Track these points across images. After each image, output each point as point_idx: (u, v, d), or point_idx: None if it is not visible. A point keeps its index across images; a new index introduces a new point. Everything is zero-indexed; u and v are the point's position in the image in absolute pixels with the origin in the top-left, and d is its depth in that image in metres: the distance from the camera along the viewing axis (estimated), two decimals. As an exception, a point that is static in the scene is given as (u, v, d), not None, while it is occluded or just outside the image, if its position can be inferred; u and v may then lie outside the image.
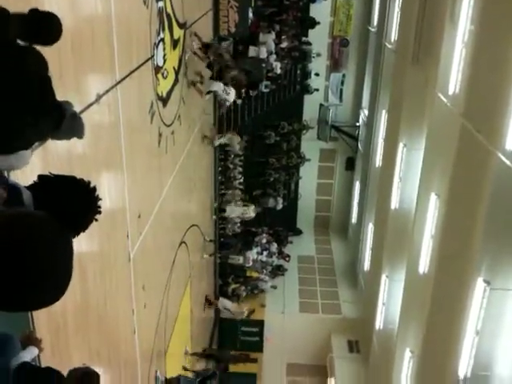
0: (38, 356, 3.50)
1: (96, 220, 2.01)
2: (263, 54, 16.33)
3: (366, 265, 19.51)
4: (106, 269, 6.94)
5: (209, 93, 12.93)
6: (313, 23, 21.18)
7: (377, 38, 19.32)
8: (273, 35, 17.76)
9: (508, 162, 7.91)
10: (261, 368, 18.91)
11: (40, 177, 1.95)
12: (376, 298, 16.55)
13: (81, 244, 5.42)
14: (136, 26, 8.04)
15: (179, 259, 12.11)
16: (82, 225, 1.88)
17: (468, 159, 9.44)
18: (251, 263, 18.48)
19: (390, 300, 15.28)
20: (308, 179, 24.40)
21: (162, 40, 9.52)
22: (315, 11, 21.91)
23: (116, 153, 7.16)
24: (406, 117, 14.06)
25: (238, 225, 18.94)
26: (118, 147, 7.17)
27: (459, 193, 9.73)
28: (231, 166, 18.95)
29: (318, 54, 22.19)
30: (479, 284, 8.73)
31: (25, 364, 2.95)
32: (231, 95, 13.05)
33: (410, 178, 13.61)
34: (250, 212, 17.72)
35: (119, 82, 7.00)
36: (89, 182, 2.01)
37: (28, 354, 3.12)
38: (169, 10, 10.00)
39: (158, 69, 9.27)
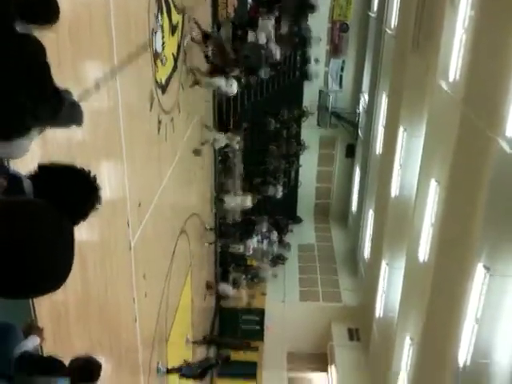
0: (40, 345, 3.50)
1: (96, 209, 1.99)
2: (262, 40, 16.21)
3: (366, 252, 19.55)
4: (107, 257, 6.93)
5: (210, 86, 13.01)
6: (311, 7, 20.99)
7: (377, 23, 19.18)
8: (272, 21, 17.60)
9: (508, 149, 7.89)
10: (261, 356, 19.01)
11: (40, 166, 1.93)
12: (376, 285, 16.60)
13: (81, 233, 5.39)
14: (134, 11, 7.95)
15: (180, 248, 12.12)
16: (82, 214, 1.86)
17: (468, 146, 9.41)
18: (251, 252, 18.50)
19: (390, 288, 15.32)
20: (308, 167, 24.35)
21: (161, 26, 9.44)
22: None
23: (115, 140, 7.12)
24: (406, 103, 14.00)
25: (238, 213, 18.93)
26: (117, 135, 7.13)
27: (459, 179, 9.71)
28: (231, 155, 18.90)
29: (318, 39, 22.04)
30: (479, 270, 8.75)
31: (27, 353, 2.94)
32: (234, 87, 13.05)
33: (411, 164, 13.59)
34: (248, 202, 17.72)
35: (118, 69, 6.94)
36: (89, 171, 1.99)
37: (30, 343, 3.12)
38: (167, -6, 9.90)
39: (156, 55, 9.20)
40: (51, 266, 1.34)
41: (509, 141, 7.97)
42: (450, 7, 10.75)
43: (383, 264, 15.91)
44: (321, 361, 19.27)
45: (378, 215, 17.49)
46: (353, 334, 19.11)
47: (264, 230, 20.41)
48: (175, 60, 10.85)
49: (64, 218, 1.43)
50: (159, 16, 9.31)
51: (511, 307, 8.39)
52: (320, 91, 23.29)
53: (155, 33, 9.01)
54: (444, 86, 10.99)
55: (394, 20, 16.56)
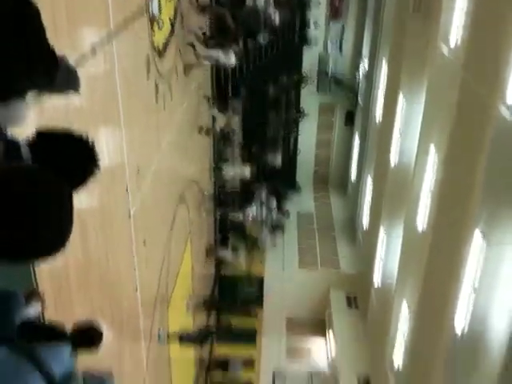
0: (42, 312, 3.52)
1: (95, 175, 1.97)
2: (260, 3, 15.91)
3: (365, 220, 19.63)
4: (107, 225, 6.94)
5: (206, 58, 12.87)
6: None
7: (377, -14, 18.79)
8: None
9: (508, 116, 7.82)
10: (261, 323, 19.30)
11: (38, 132, 1.90)
12: (374, 253, 16.72)
13: (81, 200, 5.39)
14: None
15: (179, 215, 12.14)
16: (80, 180, 1.85)
17: (468, 112, 9.34)
18: (250, 219, 18.56)
19: (388, 255, 15.43)
20: (307, 134, 24.22)
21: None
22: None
23: (113, 106, 7.03)
24: (406, 69, 13.83)
25: (237, 182, 18.92)
26: (114, 100, 7.04)
27: (459, 146, 9.67)
28: (230, 109, 18.70)
29: (318, 2, 21.63)
30: (477, 237, 8.78)
31: (28, 320, 2.95)
32: (232, 58, 12.93)
33: (410, 132, 13.50)
34: (246, 172, 17.70)
35: (114, 34, 6.80)
36: (87, 137, 1.97)
37: (31, 310, 3.14)
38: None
39: (153, 19, 9.02)
40: (50, 232, 1.33)
41: (509, 107, 7.90)
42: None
43: (381, 232, 15.99)
44: (319, 327, 19.56)
45: (376, 183, 17.49)
46: (351, 301, 19.35)
47: (263, 197, 20.42)
48: (172, 24, 10.65)
49: (63, 183, 1.41)
50: (155, -21, 9.09)
51: (508, 275, 8.44)
52: (319, 56, 22.97)
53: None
54: (445, 51, 10.83)
55: (395, -17, 16.21)
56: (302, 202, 24.18)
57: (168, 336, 11.16)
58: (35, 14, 2.12)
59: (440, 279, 10.35)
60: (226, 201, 18.60)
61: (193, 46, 12.21)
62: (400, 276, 13.74)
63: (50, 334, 3.17)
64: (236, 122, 16.76)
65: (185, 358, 14.29)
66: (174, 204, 11.93)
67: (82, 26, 5.95)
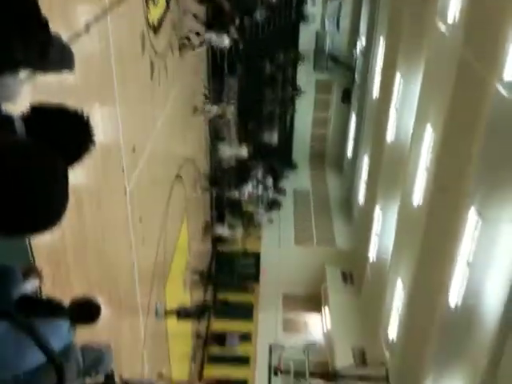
0: (39, 287, 3.55)
1: (90, 151, 1.97)
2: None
3: (361, 197, 19.69)
4: (103, 202, 6.96)
5: (201, 44, 12.96)
6: None
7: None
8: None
9: (506, 93, 7.81)
10: (257, 299, 19.50)
11: (32, 106, 1.90)
12: (370, 230, 16.83)
13: (77, 177, 5.40)
14: None
15: (175, 193, 12.16)
16: (75, 155, 1.85)
17: (465, 90, 9.31)
18: (247, 197, 18.61)
19: (384, 232, 15.54)
20: (304, 112, 24.12)
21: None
22: None
23: (108, 83, 6.99)
24: (403, 46, 13.73)
25: (234, 160, 18.90)
26: (109, 78, 7.00)
27: (456, 124, 9.66)
28: (225, 99, 18.63)
29: None
30: (472, 214, 8.85)
31: (25, 295, 2.99)
32: (225, 40, 13.06)
33: (407, 109, 13.47)
34: (242, 152, 17.69)
35: (109, 10, 6.72)
36: (82, 112, 1.96)
37: (29, 286, 3.17)
38: None
39: (148, -4, 8.92)
40: (45, 206, 1.34)
41: (507, 85, 7.88)
42: None
43: (377, 209, 16.07)
44: (315, 302, 19.77)
45: (373, 160, 17.51)
46: (346, 277, 19.53)
47: (259, 175, 20.45)
48: (167, 1, 10.53)
49: (57, 157, 1.41)
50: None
51: (502, 251, 8.54)
52: (317, 33, 22.75)
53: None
54: (443, 28, 10.75)
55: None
56: (299, 179, 24.21)
57: (165, 311, 11.28)
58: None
59: (435, 254, 10.46)
60: (223, 179, 18.61)
61: (188, 38, 12.28)
62: (395, 251, 13.87)
63: (48, 308, 3.21)
64: (231, 111, 16.74)
65: (182, 333, 14.47)
66: (170, 182, 11.94)
67: (76, 2, 5.89)
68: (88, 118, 1.96)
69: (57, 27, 2.76)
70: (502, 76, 7.99)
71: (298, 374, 13.64)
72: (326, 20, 22.74)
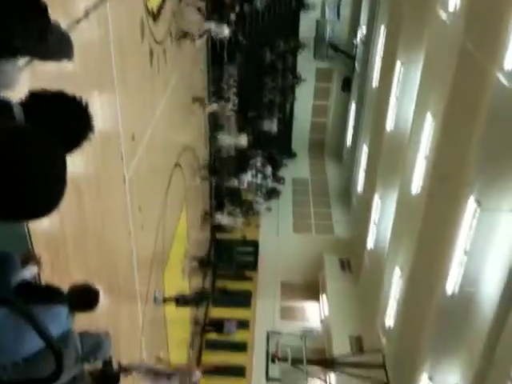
0: (38, 273, 3.57)
1: (89, 138, 1.97)
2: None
3: (360, 186, 19.71)
4: (102, 190, 6.96)
5: (201, 36, 12.94)
6: None
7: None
8: None
9: (506, 82, 7.79)
10: (255, 286, 19.59)
11: (31, 92, 1.89)
12: (368, 218, 16.87)
13: (76, 165, 5.39)
14: None
15: (174, 181, 12.16)
16: (74, 141, 1.85)
17: (466, 79, 9.28)
18: (246, 186, 18.62)
19: (382, 220, 15.58)
20: (303, 100, 24.04)
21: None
22: None
23: (107, 71, 6.97)
24: (404, 34, 13.66)
25: (233, 149, 18.88)
26: (108, 65, 6.97)
27: (456, 113, 9.64)
28: (225, 87, 18.57)
29: None
30: (470, 204, 8.87)
31: (24, 281, 3.00)
32: (224, 30, 13.04)
33: (407, 98, 13.43)
34: (242, 141, 17.65)
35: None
36: (81, 98, 1.96)
37: (27, 272, 3.18)
38: None
39: (147, -18, 8.85)
40: (43, 191, 1.34)
41: (507, 74, 7.85)
42: None
43: (376, 197, 16.09)
44: (313, 290, 19.86)
45: (372, 149, 17.50)
46: (344, 265, 19.61)
47: (258, 164, 20.45)
48: (167, -13, 10.45)
49: (56, 142, 1.42)
50: None
51: (500, 241, 8.57)
52: (317, 21, 22.61)
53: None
54: (443, 16, 10.69)
55: None
56: (298, 167, 24.21)
57: (164, 299, 11.33)
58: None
59: (433, 242, 10.50)
60: (222, 167, 18.61)
61: (185, 34, 12.29)
62: (393, 240, 13.93)
63: (47, 295, 3.23)
64: (229, 108, 16.76)
65: (180, 320, 14.55)
66: (169, 170, 11.94)
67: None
68: (87, 103, 1.96)
69: (56, 14, 2.74)
70: (502, 65, 7.97)
71: (296, 361, 13.73)
72: (326, 8, 22.59)
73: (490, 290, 8.82)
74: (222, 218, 18.09)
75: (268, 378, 13.79)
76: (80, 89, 5.87)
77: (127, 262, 8.55)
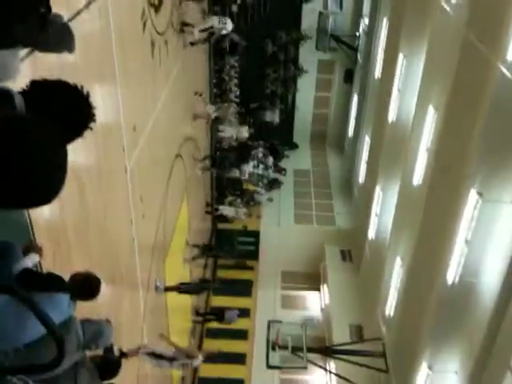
0: (39, 262, 3.61)
1: (91, 128, 1.99)
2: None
3: (361, 177, 19.71)
4: (104, 180, 7.00)
5: (204, 30, 12.81)
6: None
7: None
8: None
9: (509, 74, 7.78)
10: (257, 276, 19.67)
11: (32, 81, 1.91)
12: (370, 209, 16.89)
13: (77, 155, 5.42)
14: None
15: (175, 172, 12.19)
16: (75, 130, 1.86)
17: (469, 70, 9.26)
18: (247, 176, 18.63)
19: (384, 211, 15.60)
20: (305, 92, 23.97)
21: None
22: None
23: (108, 62, 6.97)
24: (407, 26, 13.59)
25: (234, 139, 18.87)
26: (110, 56, 6.98)
27: (458, 104, 9.63)
28: (227, 78, 18.54)
29: None
30: (472, 195, 8.88)
31: (26, 270, 3.04)
32: (228, 24, 12.83)
33: (409, 90, 13.40)
34: (243, 132, 17.63)
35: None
36: (82, 87, 1.98)
37: (29, 261, 3.22)
38: None
39: (148, -27, 8.82)
40: (44, 179, 1.37)
41: (510, 66, 7.83)
42: None
43: (377, 188, 16.11)
44: (314, 281, 19.94)
45: (374, 141, 17.48)
46: (345, 255, 19.67)
47: (260, 155, 20.44)
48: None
49: (57, 131, 1.44)
50: None
51: (501, 231, 8.60)
52: (320, 13, 22.49)
53: None
54: (447, 7, 10.64)
55: None
56: (299, 159, 24.20)
57: (165, 287, 11.40)
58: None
59: (434, 233, 10.54)
60: (223, 158, 18.60)
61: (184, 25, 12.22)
62: (394, 230, 13.97)
63: (49, 283, 3.27)
64: (231, 112, 16.74)
65: (182, 308, 14.64)
66: (171, 161, 11.96)
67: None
68: (88, 92, 1.97)
69: (57, 5, 2.75)
70: (505, 57, 7.94)
71: (296, 349, 13.83)
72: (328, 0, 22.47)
73: (490, 281, 8.86)
74: (224, 209, 18.13)
75: (268, 366, 13.91)
76: (81, 80, 5.85)
77: (129, 251, 8.61)
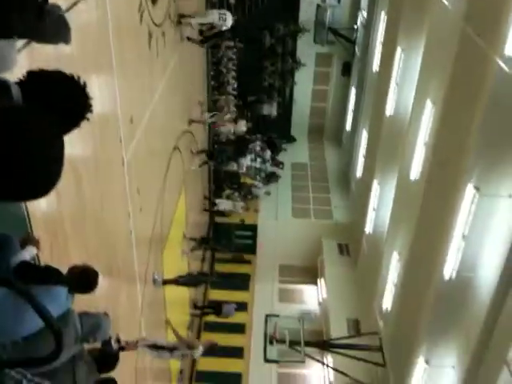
0: (37, 255, 3.59)
1: (87, 119, 1.97)
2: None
3: (359, 171, 19.72)
4: (101, 172, 6.97)
5: (203, 25, 12.68)
6: None
7: None
8: None
9: (506, 68, 7.76)
10: (254, 270, 19.70)
11: (29, 72, 1.89)
12: (367, 203, 16.91)
13: (74, 147, 5.39)
14: None
15: (173, 165, 12.16)
16: (72, 120, 1.85)
17: (467, 65, 9.24)
18: (245, 170, 18.62)
19: (381, 205, 15.62)
20: (303, 85, 23.92)
21: None
22: None
23: (105, 53, 6.92)
24: (405, 19, 13.56)
25: (232, 132, 18.82)
26: (107, 47, 6.93)
27: (456, 99, 9.62)
28: (224, 71, 18.47)
29: None
30: (469, 189, 8.89)
31: (23, 262, 3.02)
32: (228, 20, 12.57)
33: (407, 84, 13.38)
34: (242, 126, 17.59)
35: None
36: (79, 77, 1.96)
37: (26, 254, 3.20)
38: None
39: (146, -37, 8.75)
40: (41, 171, 1.35)
41: (508, 60, 7.82)
42: None
43: (375, 182, 16.11)
44: (311, 274, 19.99)
45: (371, 134, 17.48)
46: (343, 249, 19.71)
47: (257, 148, 20.42)
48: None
49: (53, 121, 1.42)
50: None
51: (499, 226, 8.61)
52: (318, 6, 22.42)
53: None
54: (445, 1, 10.60)
55: None
56: (297, 152, 24.19)
57: (163, 281, 11.40)
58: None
59: (431, 227, 10.55)
60: (221, 152, 18.58)
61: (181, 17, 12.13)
62: (392, 224, 13.99)
63: (47, 276, 3.25)
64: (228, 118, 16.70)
65: (179, 301, 14.65)
66: (168, 153, 11.93)
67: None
68: (85, 82, 1.95)
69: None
70: (503, 51, 7.92)
71: (293, 343, 13.87)
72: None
73: (487, 275, 8.87)
74: (221, 203, 18.11)
75: (266, 360, 13.95)
76: (78, 70, 5.82)
77: (126, 243, 8.59)
